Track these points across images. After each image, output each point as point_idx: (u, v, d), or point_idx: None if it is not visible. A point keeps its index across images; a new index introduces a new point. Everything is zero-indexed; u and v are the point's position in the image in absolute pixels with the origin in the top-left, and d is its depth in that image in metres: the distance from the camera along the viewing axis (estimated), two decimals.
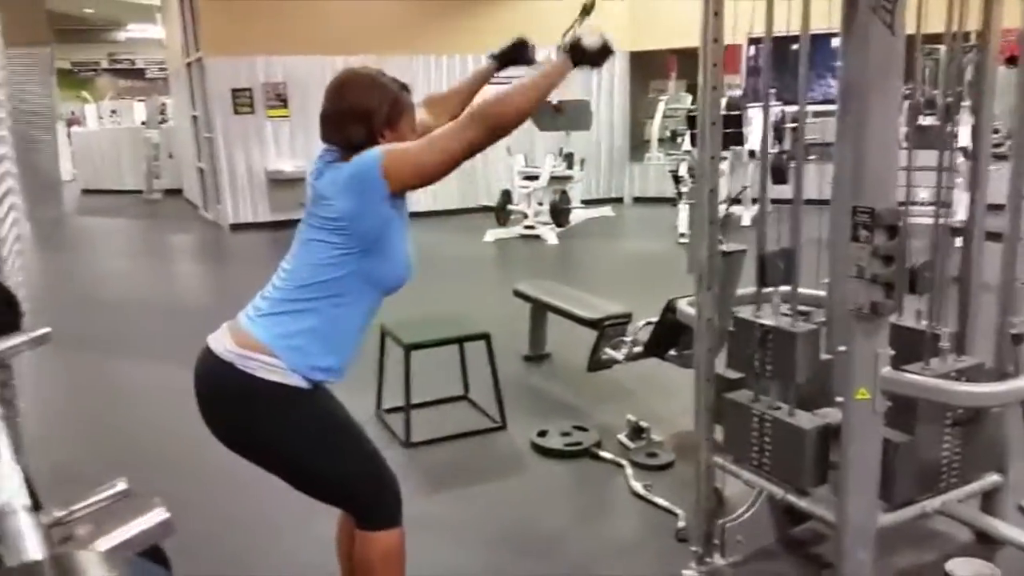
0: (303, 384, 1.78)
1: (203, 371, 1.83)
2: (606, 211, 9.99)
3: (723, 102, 8.66)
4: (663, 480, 3.11)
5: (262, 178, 9.63)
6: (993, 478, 2.55)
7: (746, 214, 8.81)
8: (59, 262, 8.28)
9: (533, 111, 1.77)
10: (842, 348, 2.21)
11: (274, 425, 1.79)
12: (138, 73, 21.86)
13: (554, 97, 9.64)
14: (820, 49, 2.44)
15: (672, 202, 9.61)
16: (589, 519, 2.95)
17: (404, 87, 1.90)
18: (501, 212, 8.89)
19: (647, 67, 12.01)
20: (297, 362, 1.76)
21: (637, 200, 11.10)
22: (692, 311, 2.97)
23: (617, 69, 10.81)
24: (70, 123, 16.05)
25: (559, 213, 8.77)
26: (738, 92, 9.21)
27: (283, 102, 9.49)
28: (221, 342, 1.80)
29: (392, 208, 1.76)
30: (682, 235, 8.05)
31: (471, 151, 1.72)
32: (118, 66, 22.26)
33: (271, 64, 9.42)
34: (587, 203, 10.04)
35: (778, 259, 2.42)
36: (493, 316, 4.49)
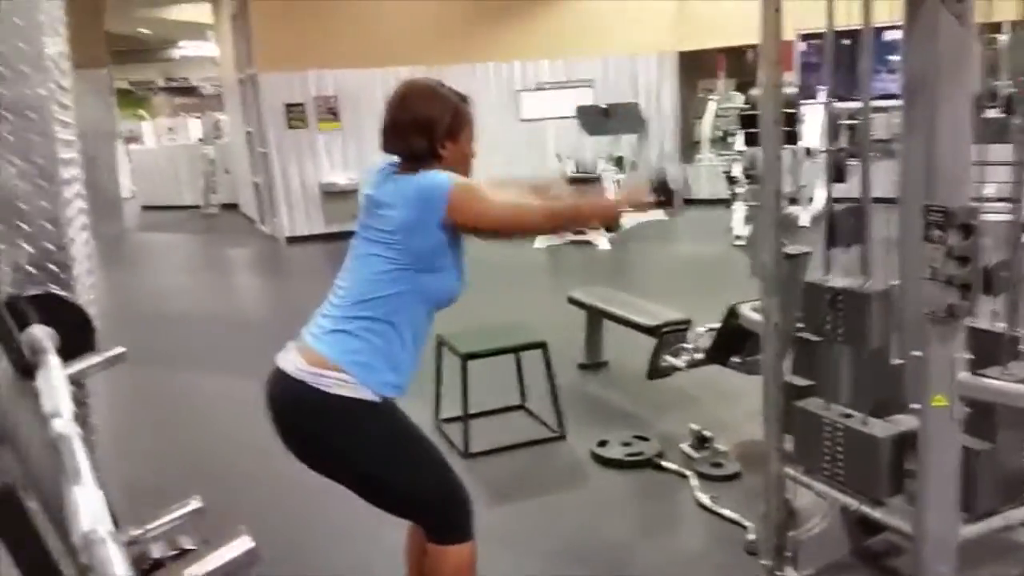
0: (374, 398, 1.81)
1: (277, 392, 1.85)
2: (658, 214, 9.87)
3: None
4: (729, 491, 3.04)
5: (316, 191, 9.75)
6: None
7: (804, 214, 8.63)
8: (122, 278, 8.51)
9: (587, 228, 1.95)
10: (917, 353, 2.13)
11: (349, 438, 1.82)
12: (192, 91, 22.37)
13: (602, 101, 9.56)
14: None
15: (726, 203, 9.46)
16: (653, 531, 2.90)
17: (464, 98, 1.91)
18: None
19: (695, 67, 11.86)
20: (367, 377, 1.79)
21: (689, 202, 10.94)
22: (757, 316, 2.91)
23: (666, 69, 10.70)
24: (128, 141, 16.48)
25: None
26: (793, 89, 9.02)
27: (334, 115, 9.61)
28: (292, 362, 1.83)
29: (443, 232, 1.80)
30: (738, 237, 7.91)
31: (528, 233, 1.97)
32: (173, 84, 22.82)
33: (322, 78, 9.55)
34: None
35: (849, 216, 2.35)
36: (547, 324, 4.45)
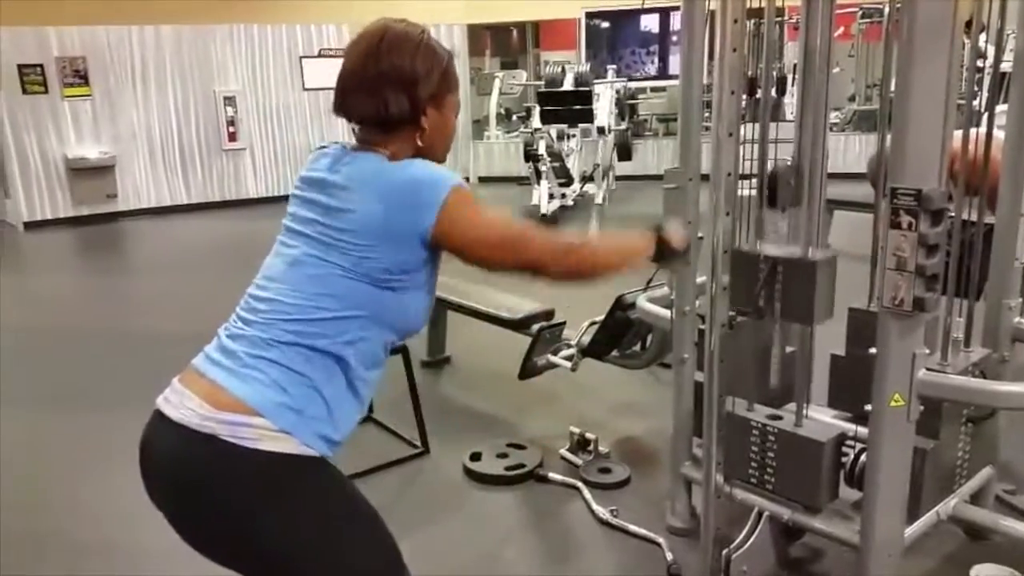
0: (313, 452, 1.29)
1: (167, 450, 1.28)
2: None
3: (570, 77, 8.28)
4: (626, 501, 2.75)
5: (61, 167, 8.39)
6: (987, 471, 2.42)
7: (599, 192, 8.68)
8: None
9: (595, 280, 1.46)
10: (872, 350, 1.94)
11: (289, 513, 1.26)
12: None
13: None
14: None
15: (519, 181, 9.34)
16: (558, 558, 2.54)
17: (452, 55, 1.43)
18: None
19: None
20: (298, 427, 1.26)
21: (482, 180, 10.73)
22: (657, 309, 2.64)
23: (457, 42, 10.34)
24: None
25: None
26: (585, 67, 9.02)
27: (83, 79, 8.26)
28: (188, 407, 1.26)
29: (423, 249, 1.29)
30: (543, 216, 7.76)
31: (531, 272, 1.38)
32: None
33: (66, 35, 8.16)
34: None
35: (789, 177, 2.12)
36: None
